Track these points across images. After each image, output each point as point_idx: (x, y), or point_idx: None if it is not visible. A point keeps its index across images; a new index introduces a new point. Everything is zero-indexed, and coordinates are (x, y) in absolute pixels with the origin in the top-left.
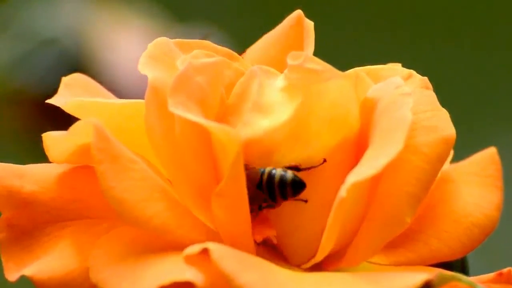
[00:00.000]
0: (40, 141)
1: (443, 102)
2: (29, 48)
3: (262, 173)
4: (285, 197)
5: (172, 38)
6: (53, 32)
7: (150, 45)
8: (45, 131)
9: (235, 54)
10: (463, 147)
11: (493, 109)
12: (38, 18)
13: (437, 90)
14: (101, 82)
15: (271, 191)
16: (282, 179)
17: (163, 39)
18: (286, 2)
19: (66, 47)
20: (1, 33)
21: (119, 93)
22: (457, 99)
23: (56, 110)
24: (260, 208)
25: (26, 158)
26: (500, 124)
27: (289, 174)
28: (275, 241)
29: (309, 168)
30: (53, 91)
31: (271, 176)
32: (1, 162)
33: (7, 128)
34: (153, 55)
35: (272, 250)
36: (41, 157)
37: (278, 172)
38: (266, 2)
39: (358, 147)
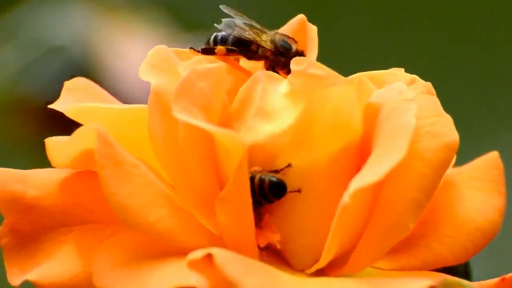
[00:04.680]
0: (45, 148)
1: (446, 107)
2: (36, 56)
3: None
4: (269, 201)
5: (178, 47)
6: (60, 40)
7: (150, 53)
8: None
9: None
10: (466, 151)
11: (495, 113)
12: (45, 26)
13: (440, 95)
14: (107, 90)
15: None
16: (261, 183)
17: (161, 47)
18: (289, 8)
19: (73, 55)
20: (8, 41)
21: (125, 102)
22: (459, 103)
23: (62, 118)
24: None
25: (31, 166)
26: (503, 128)
27: (268, 177)
28: (278, 246)
29: (278, 171)
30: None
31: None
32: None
33: (13, 136)
34: (153, 62)
35: (275, 255)
36: (46, 165)
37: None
38: (271, 10)
39: (361, 153)
